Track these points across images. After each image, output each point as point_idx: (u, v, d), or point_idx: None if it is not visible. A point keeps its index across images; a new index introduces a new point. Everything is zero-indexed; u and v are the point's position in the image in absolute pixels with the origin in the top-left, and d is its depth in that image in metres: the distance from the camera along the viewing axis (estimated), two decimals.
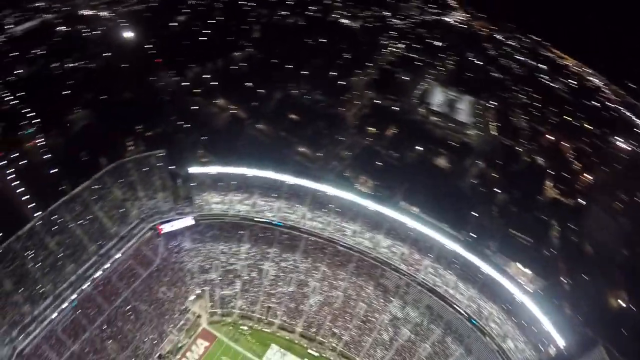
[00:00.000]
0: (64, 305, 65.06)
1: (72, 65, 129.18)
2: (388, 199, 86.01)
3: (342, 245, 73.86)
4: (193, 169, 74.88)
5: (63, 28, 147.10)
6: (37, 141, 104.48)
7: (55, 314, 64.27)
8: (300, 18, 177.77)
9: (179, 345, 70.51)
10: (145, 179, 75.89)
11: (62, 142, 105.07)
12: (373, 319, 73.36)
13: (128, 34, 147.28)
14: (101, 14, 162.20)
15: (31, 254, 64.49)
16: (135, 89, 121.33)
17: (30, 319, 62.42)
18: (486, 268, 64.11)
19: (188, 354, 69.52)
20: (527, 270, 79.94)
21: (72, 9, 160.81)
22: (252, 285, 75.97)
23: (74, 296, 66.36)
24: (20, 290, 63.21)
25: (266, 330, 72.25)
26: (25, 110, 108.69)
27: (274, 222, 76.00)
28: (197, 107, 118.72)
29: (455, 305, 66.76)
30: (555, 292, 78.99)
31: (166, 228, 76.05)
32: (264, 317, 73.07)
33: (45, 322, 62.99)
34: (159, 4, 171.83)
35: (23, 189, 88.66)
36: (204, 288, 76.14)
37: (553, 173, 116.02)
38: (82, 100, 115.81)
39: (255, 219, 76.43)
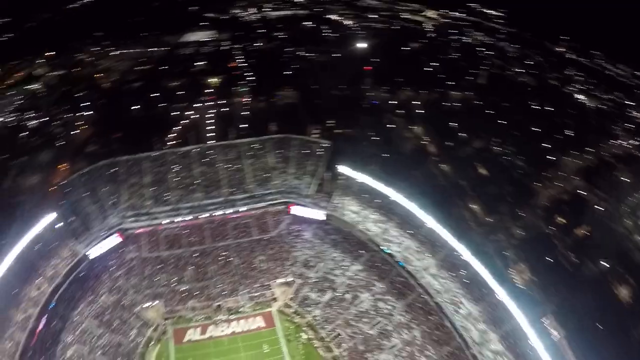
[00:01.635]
0: (176, 219, 78.34)
1: (301, 54, 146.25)
2: (532, 303, 69.09)
3: (449, 321, 62.71)
4: (345, 170, 75.29)
5: (309, 23, 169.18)
6: (244, 99, 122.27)
7: (166, 221, 78.47)
8: (533, 79, 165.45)
9: (240, 310, 73.54)
10: (301, 160, 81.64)
11: (263, 107, 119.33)
12: None
13: (361, 45, 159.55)
14: (345, 22, 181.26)
15: (177, 168, 79.69)
16: (344, 90, 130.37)
17: (146, 211, 77.62)
18: None
19: (241, 321, 71.87)
20: None
21: (323, 12, 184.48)
22: (339, 305, 72.30)
23: (189, 217, 78.50)
24: (152, 188, 78.77)
25: (320, 352, 67.39)
26: (248, 74, 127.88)
27: (396, 259, 70.15)
28: (393, 126, 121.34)
29: None
30: None
31: (296, 210, 79.79)
32: (327, 340, 68.57)
33: (155, 222, 77.57)
34: (399, 28, 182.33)
35: (213, 124, 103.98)
36: (297, 280, 76.31)
37: None
38: (295, 83, 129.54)
39: (381, 247, 72.20)
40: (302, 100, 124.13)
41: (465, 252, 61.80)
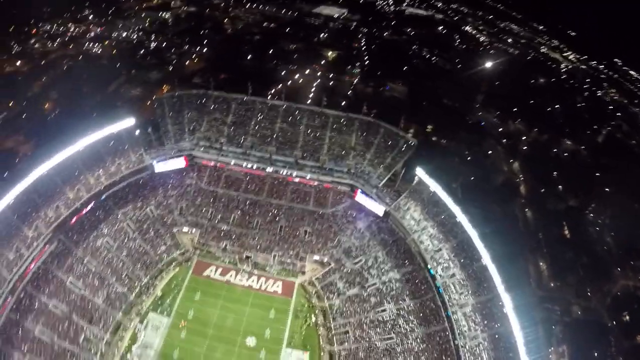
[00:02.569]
0: (243, 164, 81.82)
1: (425, 55, 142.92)
2: None
3: None
4: (422, 174, 71.70)
5: (442, 29, 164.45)
6: (354, 79, 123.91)
7: (232, 162, 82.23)
8: None
9: (265, 268, 75.09)
10: (383, 149, 79.39)
11: (368, 93, 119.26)
12: None
13: (488, 63, 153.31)
14: (480, 37, 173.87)
15: (260, 117, 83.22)
16: (455, 100, 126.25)
17: (219, 147, 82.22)
18: None
19: (261, 279, 73.56)
20: None
21: (459, 22, 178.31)
22: (360, 304, 69.85)
23: (255, 166, 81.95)
24: (232, 128, 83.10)
25: (320, 340, 66.15)
26: (365, 58, 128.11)
27: (437, 284, 65.14)
28: (491, 152, 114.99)
29: None
30: None
31: (360, 198, 78.29)
32: (333, 332, 66.85)
33: (223, 159, 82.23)
34: (532, 59, 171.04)
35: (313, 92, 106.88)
36: (332, 263, 75.30)
37: None
38: (408, 80, 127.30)
39: (427, 265, 67.49)
40: (409, 98, 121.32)
41: (509, 307, 55.18)
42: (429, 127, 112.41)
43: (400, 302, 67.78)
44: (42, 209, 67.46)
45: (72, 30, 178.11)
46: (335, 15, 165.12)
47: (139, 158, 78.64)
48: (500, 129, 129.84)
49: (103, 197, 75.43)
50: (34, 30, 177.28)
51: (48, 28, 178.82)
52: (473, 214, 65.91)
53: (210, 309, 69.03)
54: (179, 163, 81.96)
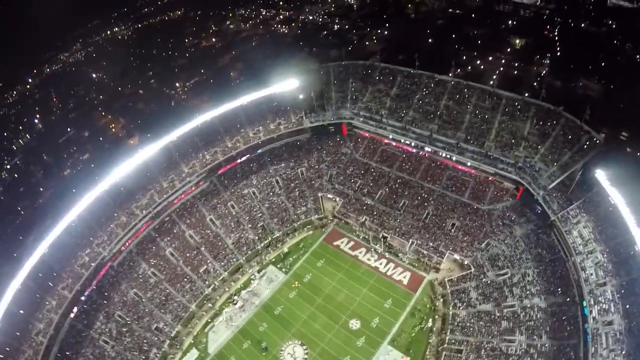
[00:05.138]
0: (402, 139, 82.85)
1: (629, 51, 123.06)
2: None
3: None
4: (604, 181, 57.49)
5: None
6: (542, 69, 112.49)
7: (391, 136, 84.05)
8: None
9: (398, 254, 73.40)
10: (561, 144, 68.01)
11: (557, 87, 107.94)
12: None
13: None
14: None
15: (426, 92, 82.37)
16: None
17: (379, 118, 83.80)
18: None
19: (390, 264, 71.89)
20: None
21: None
22: (488, 325, 60.01)
23: (413, 143, 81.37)
24: (394, 101, 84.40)
25: (429, 351, 59.85)
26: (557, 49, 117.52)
27: (587, 328, 51.37)
28: None
29: None
30: None
31: (524, 198, 70.29)
32: (447, 346, 59.09)
33: (381, 132, 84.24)
34: None
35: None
36: (472, 268, 67.70)
37: None
38: (607, 79, 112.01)
39: (583, 301, 53.47)
40: (603, 98, 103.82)
41: None
42: (624, 134, 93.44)
43: (535, 337, 56.12)
44: (201, 151, 78.94)
45: (263, 13, 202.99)
46: (529, 3, 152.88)
47: (298, 120, 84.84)
48: None
49: (259, 151, 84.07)
50: (230, 14, 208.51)
51: (242, 12, 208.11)
52: None
53: (327, 279, 70.04)
54: (337, 130, 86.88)
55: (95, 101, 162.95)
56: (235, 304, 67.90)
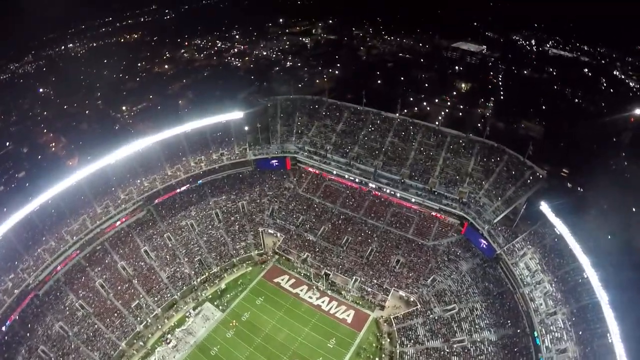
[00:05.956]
0: (346, 175, 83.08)
1: (567, 95, 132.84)
2: None
3: None
4: (548, 213, 59.76)
5: (586, 71, 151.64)
6: (486, 111, 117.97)
7: (335, 172, 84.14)
8: None
9: (342, 292, 71.51)
10: (504, 180, 70.66)
11: (499, 128, 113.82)
12: None
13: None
14: (630, 82, 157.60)
15: (372, 129, 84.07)
16: (598, 144, 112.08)
17: (324, 153, 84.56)
18: None
19: (333, 302, 69.79)
20: None
21: (607, 65, 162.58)
22: None
23: (357, 180, 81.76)
24: (340, 136, 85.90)
25: None
26: (500, 93, 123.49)
27: (540, 357, 51.49)
28: None
29: None
30: None
31: (469, 233, 71.69)
32: None
33: (325, 167, 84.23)
34: None
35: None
36: (418, 305, 67.08)
37: None
38: (545, 121, 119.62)
39: (535, 333, 54.33)
40: (544, 138, 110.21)
41: None
42: (565, 170, 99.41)
43: None
44: (139, 177, 75.17)
45: (219, 45, 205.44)
46: (474, 51, 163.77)
47: (242, 152, 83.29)
48: None
49: (200, 181, 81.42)
50: (186, 43, 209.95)
51: (198, 42, 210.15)
52: (606, 274, 51.16)
53: (267, 318, 66.94)
54: (280, 164, 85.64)
55: (39, 117, 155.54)
56: (169, 343, 63.13)
